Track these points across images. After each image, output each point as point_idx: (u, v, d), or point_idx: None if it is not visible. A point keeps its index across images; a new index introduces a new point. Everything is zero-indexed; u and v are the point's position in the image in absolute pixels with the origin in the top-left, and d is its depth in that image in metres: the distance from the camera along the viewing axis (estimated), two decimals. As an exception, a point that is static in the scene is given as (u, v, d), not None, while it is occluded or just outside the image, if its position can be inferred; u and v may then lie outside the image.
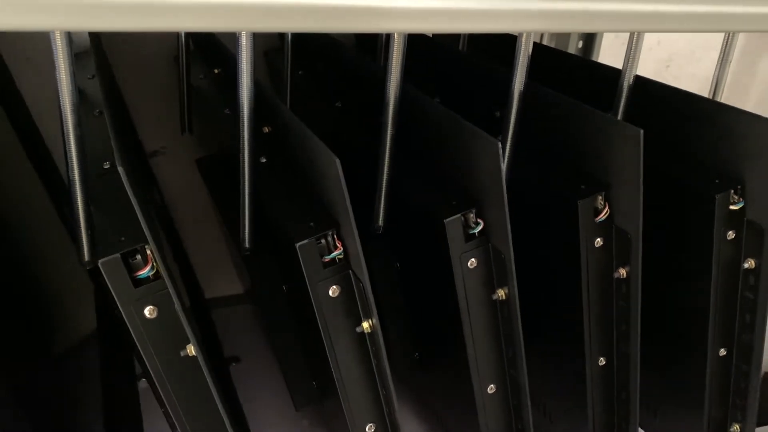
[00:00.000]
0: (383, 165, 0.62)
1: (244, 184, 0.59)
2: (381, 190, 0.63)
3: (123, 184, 0.52)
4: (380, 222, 0.64)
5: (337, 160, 0.47)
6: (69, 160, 0.51)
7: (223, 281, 1.14)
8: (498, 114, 0.74)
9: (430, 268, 0.65)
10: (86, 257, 0.56)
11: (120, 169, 0.47)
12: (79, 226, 0.54)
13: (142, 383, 0.91)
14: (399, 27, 0.40)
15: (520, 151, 0.64)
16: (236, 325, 1.10)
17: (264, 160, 0.63)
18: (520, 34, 0.57)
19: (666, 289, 0.69)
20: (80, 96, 0.46)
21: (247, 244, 0.61)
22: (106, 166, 0.58)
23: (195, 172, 0.92)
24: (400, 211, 0.64)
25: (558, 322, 0.70)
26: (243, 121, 0.56)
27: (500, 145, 0.51)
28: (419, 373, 0.80)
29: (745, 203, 0.62)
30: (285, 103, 0.77)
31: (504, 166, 0.53)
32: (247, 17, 0.35)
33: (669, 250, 0.67)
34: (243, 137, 0.57)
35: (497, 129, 0.65)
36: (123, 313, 0.47)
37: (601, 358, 0.68)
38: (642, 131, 0.54)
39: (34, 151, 0.81)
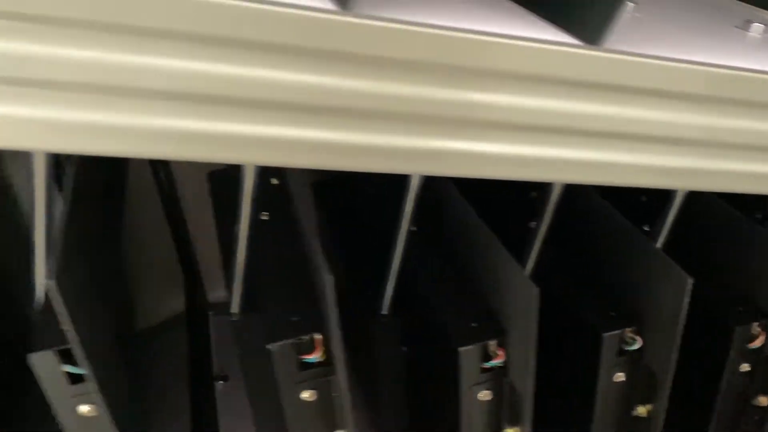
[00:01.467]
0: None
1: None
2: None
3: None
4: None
5: (536, 289, 0.44)
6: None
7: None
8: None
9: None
10: (235, 308, 0.54)
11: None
12: (235, 277, 0.51)
13: (219, 386, 0.89)
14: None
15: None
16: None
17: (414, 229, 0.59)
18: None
19: None
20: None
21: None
22: (275, 181, 0.52)
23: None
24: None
25: None
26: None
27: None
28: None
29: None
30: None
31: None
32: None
33: None
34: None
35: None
36: (282, 397, 0.45)
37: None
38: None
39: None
